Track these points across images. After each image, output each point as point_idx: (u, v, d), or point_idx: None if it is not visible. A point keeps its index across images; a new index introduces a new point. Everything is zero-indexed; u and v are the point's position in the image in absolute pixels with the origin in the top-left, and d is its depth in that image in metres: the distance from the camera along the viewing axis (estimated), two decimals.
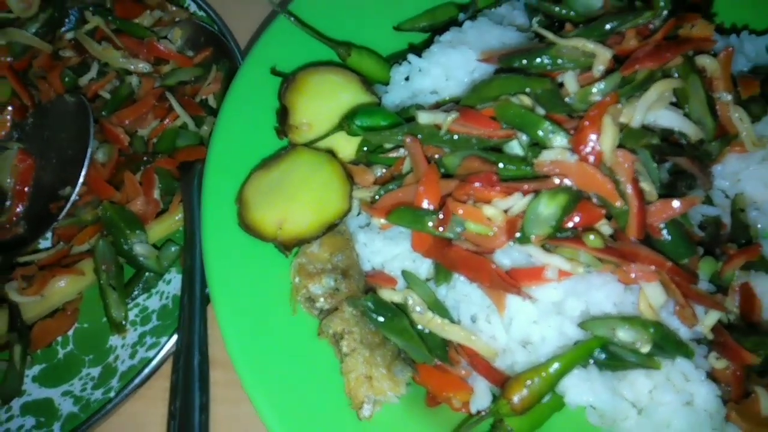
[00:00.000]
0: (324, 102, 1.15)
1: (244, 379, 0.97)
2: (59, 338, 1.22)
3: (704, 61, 1.03)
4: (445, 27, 1.26)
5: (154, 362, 1.09)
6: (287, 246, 1.05)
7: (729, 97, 1.05)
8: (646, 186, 0.90)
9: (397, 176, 1.11)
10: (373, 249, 1.09)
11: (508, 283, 0.89)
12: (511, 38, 1.16)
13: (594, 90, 0.94)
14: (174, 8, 1.43)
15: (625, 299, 0.95)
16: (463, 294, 1.00)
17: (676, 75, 0.98)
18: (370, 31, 1.31)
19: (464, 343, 0.99)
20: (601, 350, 0.93)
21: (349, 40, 1.27)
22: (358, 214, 1.14)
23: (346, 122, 1.09)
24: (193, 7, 1.45)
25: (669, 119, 0.96)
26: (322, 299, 1.03)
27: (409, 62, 1.21)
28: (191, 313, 1.08)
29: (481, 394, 1.01)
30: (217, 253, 1.05)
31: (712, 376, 0.97)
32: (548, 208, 0.89)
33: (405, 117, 1.11)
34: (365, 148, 1.14)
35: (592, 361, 0.93)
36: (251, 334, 1.01)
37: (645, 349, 0.90)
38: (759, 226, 1.13)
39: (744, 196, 1.12)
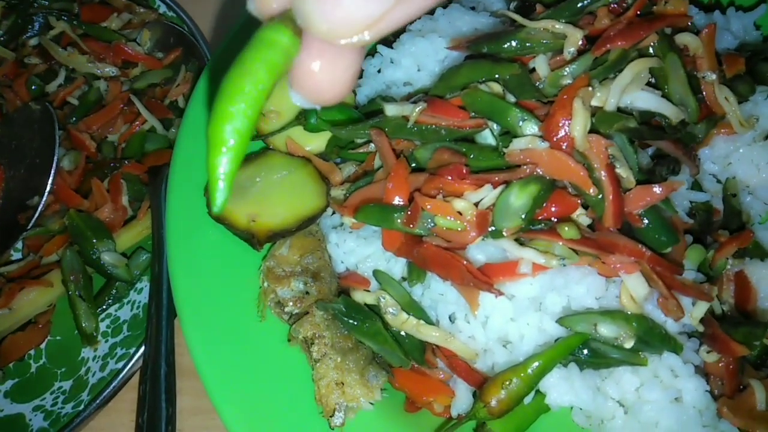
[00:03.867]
0: None
1: (210, 390, 0.93)
2: (32, 352, 1.19)
3: (685, 38, 0.98)
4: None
5: (123, 374, 1.05)
6: (260, 239, 1.01)
7: (713, 77, 0.99)
8: (623, 172, 0.85)
9: (368, 172, 1.07)
10: (345, 249, 1.05)
11: (478, 279, 0.84)
12: (484, 24, 1.12)
13: (565, 73, 0.89)
14: (142, 10, 1.40)
15: (607, 293, 0.90)
16: (439, 293, 0.96)
17: (654, 54, 0.93)
18: None
19: (441, 344, 0.95)
20: (582, 347, 0.88)
21: None
22: (333, 214, 1.11)
23: (303, 117, 1.05)
24: (162, 8, 1.42)
25: (646, 101, 0.91)
26: (291, 303, 0.98)
27: (380, 53, 1.17)
28: (158, 323, 1.04)
29: (462, 398, 0.97)
30: (181, 258, 1.01)
31: (705, 370, 0.93)
32: (519, 198, 0.84)
33: (373, 110, 1.07)
34: (336, 145, 1.10)
35: (573, 360, 0.88)
36: (218, 342, 0.97)
37: (628, 344, 0.85)
38: (752, 211, 1.08)
39: (736, 180, 1.08)
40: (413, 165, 0.98)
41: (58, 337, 1.20)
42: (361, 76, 1.20)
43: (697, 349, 0.92)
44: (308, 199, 1.05)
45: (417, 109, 0.95)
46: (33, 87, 1.32)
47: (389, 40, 1.19)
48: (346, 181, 1.10)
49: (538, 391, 0.90)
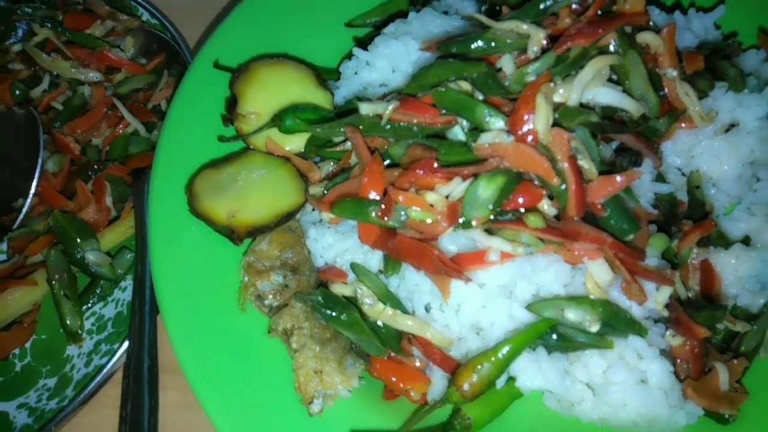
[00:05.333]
0: (274, 93, 1.14)
1: (193, 383, 0.95)
2: (17, 351, 1.20)
3: (646, 37, 1.02)
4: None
5: (107, 368, 1.07)
6: (240, 235, 1.03)
7: (674, 73, 1.04)
8: (585, 163, 0.89)
9: (346, 169, 1.10)
10: (324, 244, 1.08)
11: (449, 267, 0.88)
12: (455, 27, 1.16)
13: (529, 71, 0.93)
14: (126, 17, 1.43)
15: (574, 280, 0.94)
16: (414, 284, 0.99)
17: (615, 52, 0.97)
18: (322, 28, 1.30)
19: (416, 333, 0.98)
20: (551, 332, 0.91)
21: (300, 37, 1.27)
22: (312, 210, 1.14)
23: (278, 120, 1.08)
24: (145, 16, 1.45)
25: (607, 96, 0.95)
26: (271, 296, 1.01)
27: (356, 56, 1.20)
28: (141, 318, 1.07)
29: (438, 385, 1.00)
30: (164, 256, 1.04)
31: (671, 354, 0.96)
32: (486, 190, 0.88)
33: (350, 109, 1.10)
34: (314, 144, 1.14)
35: (541, 344, 0.92)
36: (200, 336, 0.99)
37: (594, 328, 0.89)
38: (716, 203, 1.12)
39: (699, 173, 1.11)
40: (388, 162, 1.01)
41: (43, 336, 1.21)
42: (338, 78, 1.24)
43: (663, 333, 0.96)
44: (287, 196, 1.08)
45: (390, 108, 0.99)
46: (17, 92, 1.34)
47: (365, 43, 1.23)
48: (325, 179, 1.13)
49: (512, 378, 0.93)
